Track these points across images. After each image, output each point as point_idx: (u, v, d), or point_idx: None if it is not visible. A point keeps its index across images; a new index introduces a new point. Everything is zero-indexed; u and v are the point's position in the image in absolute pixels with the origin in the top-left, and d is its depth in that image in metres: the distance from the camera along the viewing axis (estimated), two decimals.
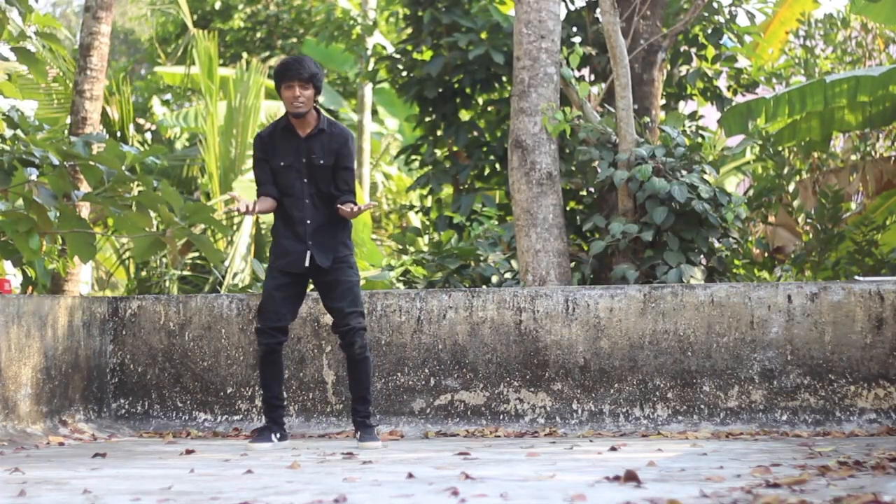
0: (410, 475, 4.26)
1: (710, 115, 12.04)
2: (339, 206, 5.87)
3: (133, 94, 19.34)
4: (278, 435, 5.99)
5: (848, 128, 10.77)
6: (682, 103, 11.30)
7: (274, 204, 5.94)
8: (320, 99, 18.87)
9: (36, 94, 11.76)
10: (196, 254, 12.61)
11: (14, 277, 9.72)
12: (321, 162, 5.88)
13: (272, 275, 5.96)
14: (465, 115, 11.47)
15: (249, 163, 14.72)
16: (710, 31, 10.48)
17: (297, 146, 5.92)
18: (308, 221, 5.89)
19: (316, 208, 5.91)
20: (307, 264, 5.87)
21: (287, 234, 5.94)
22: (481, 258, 8.86)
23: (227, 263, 12.36)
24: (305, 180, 5.90)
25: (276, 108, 16.18)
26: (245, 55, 18.90)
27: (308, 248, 5.87)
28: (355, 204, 5.87)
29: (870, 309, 6.45)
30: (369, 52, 12.74)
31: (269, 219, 12.97)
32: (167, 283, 12.05)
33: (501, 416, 6.71)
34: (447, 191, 12.96)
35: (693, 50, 10.59)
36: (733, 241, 7.91)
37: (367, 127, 16.61)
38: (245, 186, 13.40)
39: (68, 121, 11.05)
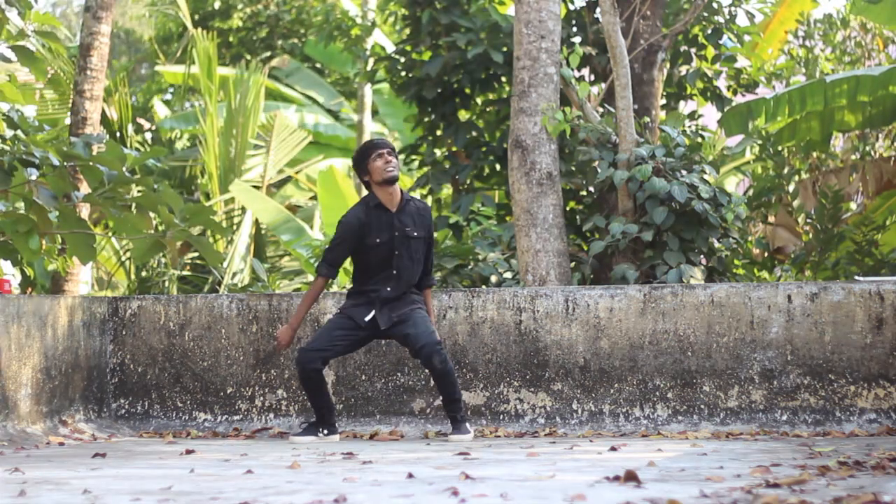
0: (410, 475, 4.26)
1: (710, 115, 12.05)
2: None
3: (134, 95, 19.34)
4: (325, 431, 6.27)
5: (848, 128, 10.77)
6: (682, 103, 11.30)
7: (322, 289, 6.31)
8: (320, 99, 18.89)
9: (32, 96, 11.75)
10: (195, 253, 12.62)
11: (14, 277, 9.72)
12: (415, 234, 6.23)
13: (338, 316, 6.33)
14: (464, 115, 11.47)
15: (249, 163, 14.70)
16: (709, 31, 10.48)
17: (390, 221, 6.21)
18: (388, 289, 6.22)
19: (399, 279, 6.24)
20: (367, 319, 6.21)
21: (360, 297, 6.28)
22: (479, 257, 8.86)
23: (226, 263, 12.36)
24: (396, 253, 6.21)
25: (276, 108, 16.17)
26: (247, 56, 18.89)
27: (373, 310, 6.22)
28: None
29: (870, 309, 6.45)
30: (368, 53, 12.73)
31: (268, 219, 12.97)
32: (167, 283, 12.05)
33: (501, 416, 6.71)
34: (447, 191, 12.95)
35: (693, 50, 10.59)
36: (733, 241, 7.91)
37: (368, 127, 16.61)
38: (244, 189, 13.39)
39: (67, 121, 11.04)
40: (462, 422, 6.22)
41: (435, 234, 6.44)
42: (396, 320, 6.21)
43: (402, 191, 6.30)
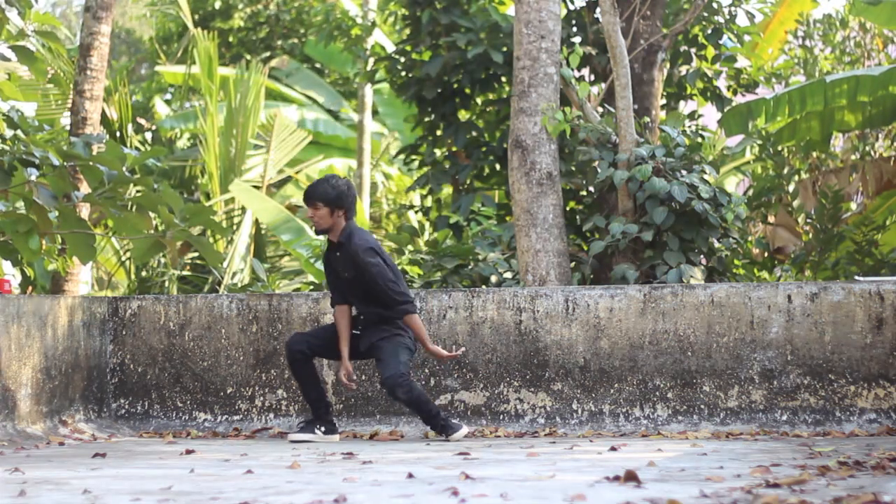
0: (410, 475, 4.26)
1: (710, 115, 12.04)
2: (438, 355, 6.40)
3: (134, 94, 19.33)
4: (323, 428, 6.30)
5: (848, 128, 10.77)
6: (682, 103, 11.30)
7: (347, 309, 6.40)
8: (320, 99, 18.89)
9: (33, 95, 11.76)
10: (195, 253, 12.61)
11: (14, 277, 9.72)
12: (346, 275, 6.32)
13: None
14: (464, 115, 11.47)
15: (249, 163, 14.72)
16: (709, 31, 10.47)
17: (332, 261, 6.39)
18: (361, 316, 6.37)
19: (359, 313, 6.37)
20: (355, 331, 6.37)
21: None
22: (479, 257, 8.86)
23: (226, 263, 12.36)
24: (347, 287, 6.35)
25: (276, 108, 16.18)
26: (247, 56, 18.89)
27: (357, 331, 6.37)
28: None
29: (870, 309, 6.45)
30: (368, 53, 12.73)
31: (268, 219, 12.97)
32: (167, 283, 12.05)
33: (501, 416, 6.71)
34: (447, 191, 12.95)
35: (693, 50, 10.59)
36: (733, 241, 7.91)
37: (368, 127, 16.63)
38: (244, 188, 13.39)
39: (65, 121, 11.02)
40: (448, 425, 6.26)
41: (377, 268, 6.25)
42: (374, 343, 6.29)
43: (342, 231, 6.27)
